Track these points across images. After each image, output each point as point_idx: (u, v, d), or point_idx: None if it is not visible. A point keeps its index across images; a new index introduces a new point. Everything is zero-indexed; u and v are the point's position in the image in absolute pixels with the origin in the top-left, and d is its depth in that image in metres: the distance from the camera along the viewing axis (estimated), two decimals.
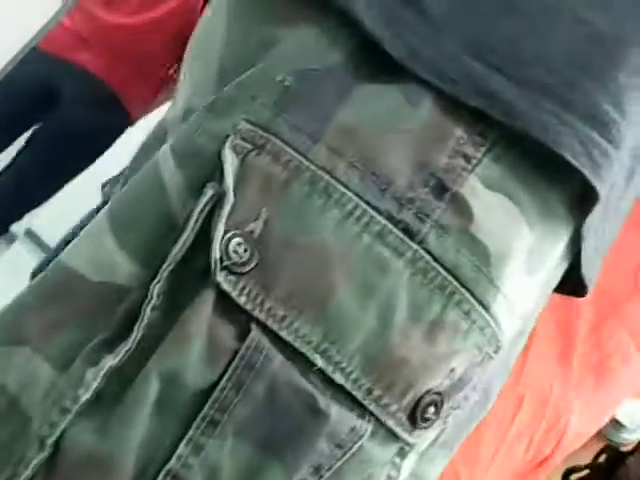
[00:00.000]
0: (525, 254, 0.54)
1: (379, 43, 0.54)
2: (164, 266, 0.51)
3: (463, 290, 0.53)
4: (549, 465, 1.13)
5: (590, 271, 0.60)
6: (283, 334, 0.51)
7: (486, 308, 0.53)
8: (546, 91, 0.53)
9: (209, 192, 0.51)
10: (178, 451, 0.50)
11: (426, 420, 0.53)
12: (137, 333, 0.51)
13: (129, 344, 0.51)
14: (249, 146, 0.53)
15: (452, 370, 0.53)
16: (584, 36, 0.55)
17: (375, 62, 0.54)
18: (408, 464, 0.56)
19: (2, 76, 1.08)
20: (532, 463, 1.10)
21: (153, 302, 0.51)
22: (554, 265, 0.57)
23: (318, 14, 0.55)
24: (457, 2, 0.55)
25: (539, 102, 0.53)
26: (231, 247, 0.51)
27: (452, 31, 0.54)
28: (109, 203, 0.56)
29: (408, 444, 0.54)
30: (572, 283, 0.61)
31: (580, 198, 0.55)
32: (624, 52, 0.55)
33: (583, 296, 0.62)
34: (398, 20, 0.54)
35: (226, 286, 0.51)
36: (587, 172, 0.53)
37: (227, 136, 0.53)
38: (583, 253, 0.58)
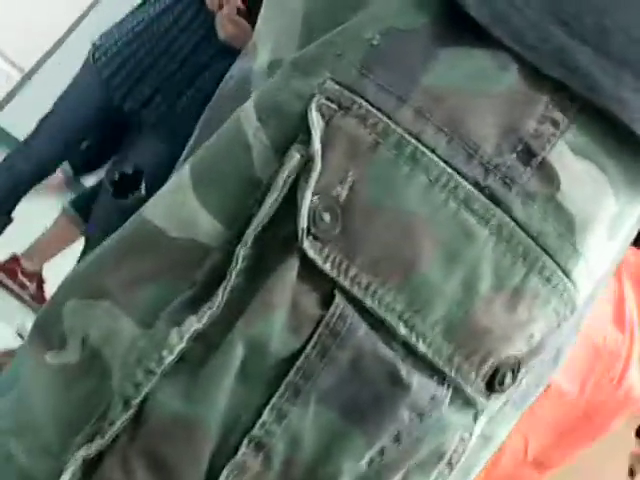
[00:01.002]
0: (609, 221, 0.54)
1: (464, 7, 0.52)
2: (250, 229, 0.50)
3: (546, 257, 0.52)
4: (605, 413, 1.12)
5: None
6: (367, 302, 0.51)
7: (567, 275, 0.53)
8: (629, 64, 0.52)
9: (296, 156, 0.51)
10: (262, 418, 0.50)
11: (503, 385, 0.54)
12: (222, 297, 0.50)
13: (214, 308, 0.50)
14: (335, 107, 0.52)
15: (531, 336, 0.54)
16: None
17: (462, 25, 0.53)
18: (480, 426, 0.56)
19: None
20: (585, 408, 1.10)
21: (238, 266, 0.51)
22: (632, 225, 0.57)
23: None
24: None
25: (620, 77, 0.52)
26: (317, 213, 0.50)
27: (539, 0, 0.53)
28: (191, 158, 0.55)
29: (483, 408, 0.55)
30: None
31: None
32: None
33: None
34: None
35: (311, 253, 0.50)
36: None
37: (313, 96, 0.52)
38: None
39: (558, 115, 0.52)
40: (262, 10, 0.62)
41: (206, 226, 0.52)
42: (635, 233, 0.60)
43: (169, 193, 0.55)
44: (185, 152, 0.64)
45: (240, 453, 0.51)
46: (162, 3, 2.38)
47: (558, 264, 0.53)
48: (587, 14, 0.53)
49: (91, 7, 3.72)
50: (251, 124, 0.53)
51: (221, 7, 2.11)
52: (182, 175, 0.54)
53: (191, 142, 0.64)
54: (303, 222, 0.50)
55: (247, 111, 0.54)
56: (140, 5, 2.49)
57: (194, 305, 0.51)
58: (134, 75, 2.37)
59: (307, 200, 0.50)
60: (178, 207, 0.53)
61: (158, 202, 0.55)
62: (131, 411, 0.51)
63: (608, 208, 0.54)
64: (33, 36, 3.67)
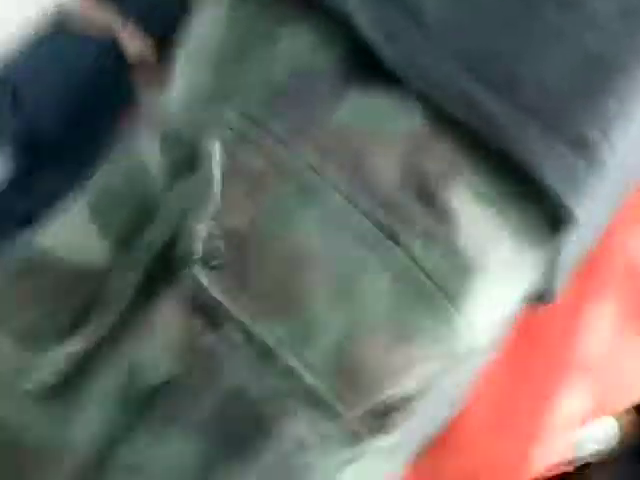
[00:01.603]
0: (503, 264, 0.55)
1: (371, 47, 0.53)
2: (140, 254, 0.51)
3: (440, 296, 0.53)
4: None
5: (561, 281, 0.60)
6: (255, 330, 0.51)
7: (463, 315, 0.53)
8: (535, 111, 0.53)
9: (192, 184, 0.51)
10: (134, 440, 0.51)
11: (388, 424, 0.54)
12: (107, 319, 0.51)
13: (98, 329, 0.51)
14: (237, 138, 0.52)
15: (423, 373, 0.54)
16: (580, 58, 0.54)
17: (369, 64, 0.53)
18: (360, 465, 0.56)
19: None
20: None
21: (127, 289, 0.51)
22: (528, 275, 0.58)
23: (313, 14, 0.55)
24: (456, 11, 0.54)
25: (525, 122, 0.53)
26: (210, 240, 0.51)
27: (448, 41, 0.54)
28: (89, 181, 0.56)
29: (365, 446, 0.54)
30: (542, 291, 0.61)
31: (559, 216, 0.55)
32: (618, 78, 0.55)
33: (550, 303, 0.62)
34: (392, 24, 0.54)
35: (202, 279, 0.51)
36: (565, 197, 0.53)
37: (215, 125, 0.53)
38: (559, 267, 0.58)
39: (460, 158, 0.53)
40: (178, 45, 0.63)
41: (97, 248, 0.53)
42: (531, 287, 0.60)
43: (65, 217, 0.56)
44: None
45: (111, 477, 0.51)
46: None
47: (453, 304, 0.53)
48: (498, 61, 0.54)
49: None
50: (151, 153, 0.54)
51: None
52: (79, 199, 0.55)
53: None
54: (196, 249, 0.51)
55: (148, 140, 0.55)
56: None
57: (77, 326, 0.51)
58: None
59: (200, 226, 0.51)
60: (73, 231, 0.54)
61: (54, 226, 0.56)
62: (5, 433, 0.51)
63: (503, 250, 0.54)
64: None
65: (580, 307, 0.81)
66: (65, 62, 1.97)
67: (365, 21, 0.53)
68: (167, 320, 0.51)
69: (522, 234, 0.55)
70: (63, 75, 1.95)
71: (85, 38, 1.92)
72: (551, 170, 0.53)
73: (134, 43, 1.99)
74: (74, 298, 0.52)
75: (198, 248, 0.51)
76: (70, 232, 0.55)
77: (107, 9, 1.96)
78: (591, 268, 0.74)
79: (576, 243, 0.58)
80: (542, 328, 0.70)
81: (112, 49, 1.99)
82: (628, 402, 0.84)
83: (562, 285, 0.61)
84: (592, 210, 0.56)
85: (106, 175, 0.56)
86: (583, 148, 0.54)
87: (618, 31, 0.56)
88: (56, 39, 1.93)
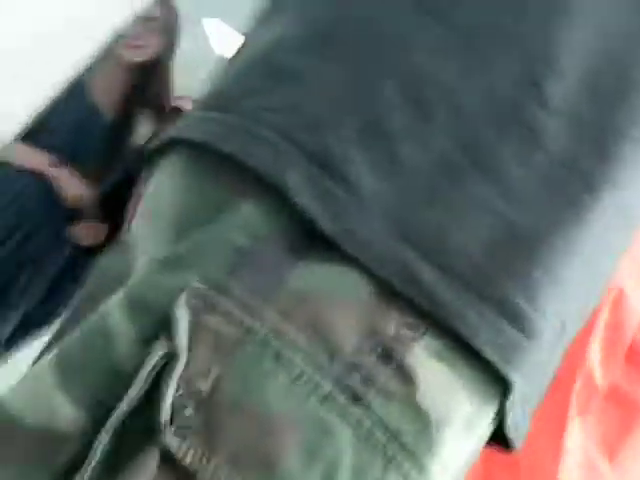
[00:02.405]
0: (463, 420, 0.56)
1: (313, 221, 0.55)
2: (110, 420, 0.51)
3: (404, 454, 0.54)
4: None
5: (517, 434, 0.62)
6: None
7: (423, 471, 0.55)
8: (466, 281, 0.55)
9: (160, 350, 0.52)
10: None
11: None
12: None
13: None
14: (201, 305, 0.53)
15: None
16: (502, 231, 0.57)
17: (313, 235, 0.56)
18: None
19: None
20: None
21: (97, 457, 0.51)
22: (486, 426, 0.59)
23: (264, 185, 0.57)
24: (387, 184, 0.56)
25: (459, 292, 0.55)
26: (179, 407, 0.51)
27: (383, 213, 0.56)
28: (56, 347, 0.56)
29: None
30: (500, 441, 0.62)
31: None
32: (539, 248, 0.57)
33: (512, 451, 0.63)
34: (331, 199, 0.56)
35: (172, 445, 0.51)
36: (499, 363, 0.55)
37: (180, 292, 0.54)
38: (509, 423, 0.60)
39: (415, 321, 0.55)
40: (137, 212, 0.64)
41: (66, 415, 0.53)
42: (488, 436, 0.61)
43: (30, 379, 0.56)
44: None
45: None
46: None
47: (415, 462, 0.54)
48: (430, 231, 0.56)
49: None
50: (117, 318, 0.55)
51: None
52: (45, 364, 0.55)
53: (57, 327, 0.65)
54: (165, 415, 0.51)
55: (114, 305, 0.56)
56: None
57: None
58: None
59: (170, 393, 0.51)
60: (39, 396, 0.54)
61: (19, 389, 0.56)
62: None
63: (462, 408, 0.56)
64: None
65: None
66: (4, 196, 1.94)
67: (306, 198, 0.56)
68: None
69: (480, 390, 0.57)
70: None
71: (22, 178, 1.91)
72: (485, 341, 0.55)
73: (70, 186, 1.99)
74: (43, 464, 0.52)
75: (166, 414, 0.51)
76: (35, 394, 0.55)
77: (37, 154, 1.97)
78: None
79: (528, 394, 0.60)
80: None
81: (48, 194, 1.99)
82: None
83: (521, 436, 0.62)
84: (540, 364, 0.59)
85: (72, 338, 0.56)
86: (513, 317, 0.56)
87: (539, 202, 0.58)
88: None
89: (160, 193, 0.63)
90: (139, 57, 2.15)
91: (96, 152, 2.04)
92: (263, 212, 0.56)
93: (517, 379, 0.57)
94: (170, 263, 0.56)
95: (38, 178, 1.97)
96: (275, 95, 0.60)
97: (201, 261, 0.55)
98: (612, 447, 1.04)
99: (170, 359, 0.52)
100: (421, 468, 0.54)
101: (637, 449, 1.07)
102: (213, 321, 0.53)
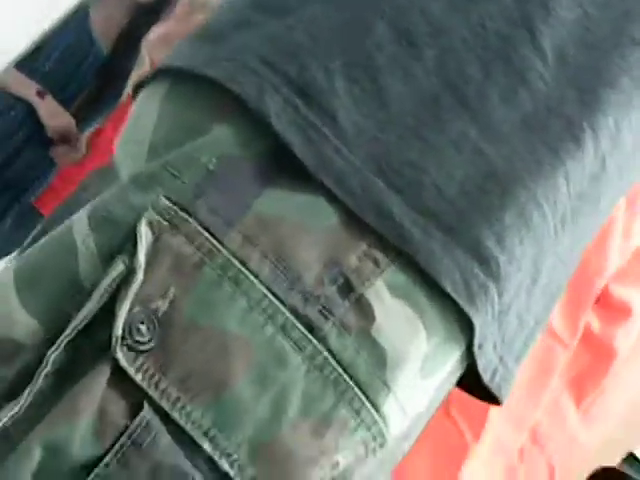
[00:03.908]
0: (421, 359, 0.56)
1: (289, 147, 0.55)
2: (64, 335, 0.52)
3: (356, 389, 0.54)
4: None
5: (496, 382, 0.62)
6: (174, 415, 0.52)
7: (377, 408, 0.55)
8: (438, 219, 0.55)
9: (119, 266, 0.52)
10: None
11: None
12: (27, 398, 0.51)
13: (17, 408, 0.51)
14: (165, 223, 0.53)
15: (336, 464, 0.55)
16: (480, 170, 0.57)
17: (291, 160, 0.55)
18: None
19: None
20: None
21: (47, 369, 0.52)
22: (449, 370, 0.59)
23: (237, 112, 0.57)
24: (368, 118, 0.56)
25: (429, 229, 0.55)
26: (134, 324, 0.51)
27: (361, 145, 0.56)
28: (19, 257, 0.56)
29: None
30: (484, 391, 0.62)
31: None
32: (514, 191, 0.57)
33: (498, 404, 0.63)
34: (309, 127, 0.55)
35: (124, 362, 0.51)
36: (463, 303, 0.55)
37: (145, 210, 0.54)
38: (481, 368, 0.59)
39: (379, 254, 0.55)
40: (117, 141, 0.65)
41: (23, 325, 0.53)
42: (454, 382, 0.61)
43: None
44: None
45: None
46: None
47: (367, 397, 0.54)
48: (408, 168, 0.56)
49: None
50: (81, 230, 0.55)
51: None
52: (6, 273, 0.55)
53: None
54: (118, 331, 0.51)
55: (79, 218, 0.55)
56: None
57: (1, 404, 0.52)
58: None
59: (124, 310, 0.51)
60: None
61: None
62: None
63: (420, 346, 0.56)
64: None
65: None
66: None
67: (284, 124, 0.55)
68: (88, 402, 0.51)
69: (441, 330, 0.56)
70: None
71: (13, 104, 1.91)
72: (450, 279, 0.55)
73: (52, 115, 1.99)
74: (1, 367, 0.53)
75: (119, 330, 0.51)
76: None
77: (26, 82, 1.97)
78: None
79: (502, 339, 0.59)
80: None
81: (30, 121, 1.99)
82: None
83: (505, 384, 0.62)
84: (510, 309, 0.59)
85: (35, 248, 0.56)
86: (481, 258, 0.56)
87: (518, 145, 0.58)
88: None
89: (140, 117, 0.63)
90: None
91: (85, 83, 2.04)
92: (235, 134, 0.56)
93: (480, 320, 0.56)
94: (140, 181, 0.56)
95: (25, 105, 1.98)
96: (263, 28, 0.60)
97: (169, 180, 0.55)
98: (580, 390, 1.06)
99: (128, 275, 0.52)
100: (374, 405, 0.54)
101: (605, 396, 1.09)
102: (175, 241, 0.53)
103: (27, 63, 1.94)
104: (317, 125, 0.56)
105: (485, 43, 0.59)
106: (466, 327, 0.57)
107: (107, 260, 0.53)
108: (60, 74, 1.99)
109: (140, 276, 0.52)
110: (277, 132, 0.55)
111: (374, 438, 0.55)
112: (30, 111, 1.98)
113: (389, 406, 0.55)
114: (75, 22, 1.93)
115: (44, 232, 0.59)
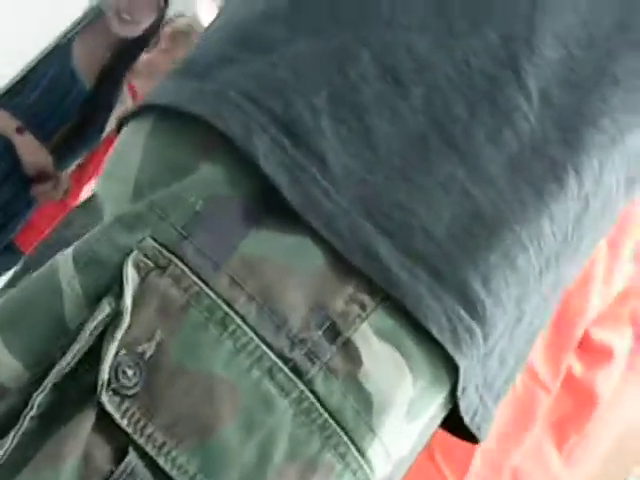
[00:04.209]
0: (407, 404, 0.56)
1: (277, 188, 0.55)
2: (49, 377, 0.51)
3: (342, 434, 0.54)
4: None
5: (477, 423, 0.61)
6: (160, 461, 0.51)
7: (362, 453, 0.54)
8: (425, 261, 0.55)
9: (106, 309, 0.52)
10: None
11: None
12: (12, 441, 0.51)
13: (1, 452, 0.50)
14: (152, 265, 0.53)
15: None
16: (467, 212, 0.56)
17: (279, 200, 0.55)
18: None
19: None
20: None
21: (33, 412, 0.51)
22: (433, 414, 0.59)
23: (225, 150, 0.56)
24: (356, 159, 0.56)
25: (417, 272, 0.54)
26: (120, 368, 0.51)
27: (349, 187, 0.55)
28: (2, 297, 0.56)
29: None
30: (465, 430, 0.62)
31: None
32: (500, 233, 0.57)
33: (477, 443, 0.63)
34: (297, 169, 0.55)
35: (109, 407, 0.51)
36: (449, 347, 0.55)
37: (131, 251, 0.53)
38: (463, 410, 0.59)
39: (365, 297, 0.54)
40: (100, 176, 0.64)
41: (6, 366, 0.53)
42: (437, 424, 0.61)
43: None
44: None
45: None
46: None
47: (353, 442, 0.54)
48: (396, 210, 0.55)
49: None
50: (67, 271, 0.54)
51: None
52: None
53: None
54: (104, 375, 0.51)
55: (64, 258, 0.55)
56: None
57: None
58: None
59: (111, 354, 0.51)
60: None
61: None
62: None
63: (406, 391, 0.55)
64: None
65: None
66: None
67: (272, 165, 0.55)
68: (73, 447, 0.50)
69: (426, 374, 0.56)
70: None
71: None
72: (437, 323, 0.54)
73: (30, 152, 2.00)
74: None
75: (105, 374, 0.51)
76: None
77: (5, 118, 1.98)
78: None
79: (485, 381, 0.59)
80: None
81: (8, 156, 2.00)
82: None
83: (484, 424, 0.62)
84: (495, 351, 0.58)
85: (19, 287, 0.56)
86: (467, 301, 0.55)
87: (504, 186, 0.57)
88: None
89: (124, 153, 0.62)
90: (128, 33, 2.15)
91: (68, 117, 2.05)
92: (222, 173, 0.56)
93: (466, 364, 0.56)
94: (126, 221, 0.55)
95: (3, 141, 2.00)
96: (248, 64, 0.59)
97: (156, 221, 0.54)
98: (562, 434, 1.06)
99: (115, 318, 0.51)
100: (359, 450, 0.54)
101: (587, 439, 1.09)
102: (161, 283, 0.52)
103: (9, 97, 1.95)
104: (305, 167, 0.55)
105: (470, 82, 0.59)
106: (451, 370, 0.56)
107: (93, 301, 0.52)
108: (42, 108, 2.00)
109: (127, 318, 0.51)
110: (266, 174, 0.55)
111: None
112: (8, 146, 1.99)
113: (374, 451, 0.55)
114: (58, 57, 1.95)
115: (26, 269, 0.58)
